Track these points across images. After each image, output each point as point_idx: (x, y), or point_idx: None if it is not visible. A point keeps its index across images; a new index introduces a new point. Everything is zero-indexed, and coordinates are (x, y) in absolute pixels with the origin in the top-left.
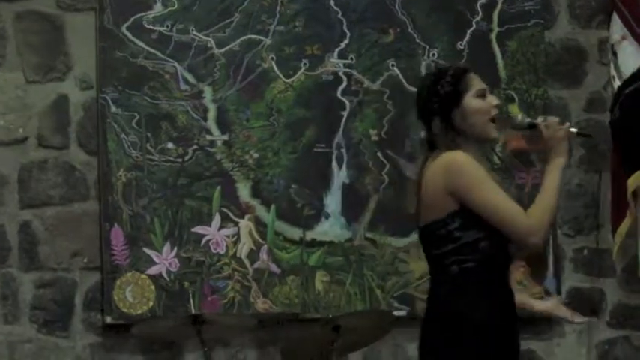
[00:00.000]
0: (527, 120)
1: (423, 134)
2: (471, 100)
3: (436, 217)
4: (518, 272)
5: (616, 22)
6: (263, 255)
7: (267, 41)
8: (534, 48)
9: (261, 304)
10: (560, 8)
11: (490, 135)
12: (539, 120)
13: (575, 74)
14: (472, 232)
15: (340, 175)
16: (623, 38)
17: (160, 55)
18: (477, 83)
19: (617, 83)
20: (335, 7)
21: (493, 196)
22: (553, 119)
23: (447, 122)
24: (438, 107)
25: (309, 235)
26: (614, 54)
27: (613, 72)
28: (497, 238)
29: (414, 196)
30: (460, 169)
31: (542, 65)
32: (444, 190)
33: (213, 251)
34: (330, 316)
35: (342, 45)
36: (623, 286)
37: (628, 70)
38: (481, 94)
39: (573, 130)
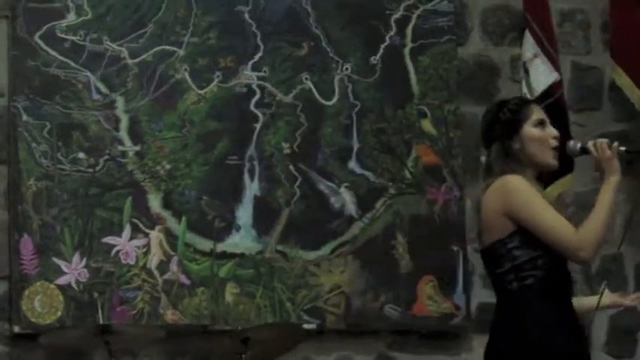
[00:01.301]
0: (579, 145)
1: (483, 159)
2: (530, 129)
3: (496, 238)
4: (427, 287)
5: (528, 40)
6: (173, 266)
7: (181, 52)
8: (447, 64)
9: (170, 316)
10: (473, 25)
11: (549, 162)
12: (590, 143)
13: (488, 91)
14: (530, 251)
15: (252, 188)
16: (535, 56)
17: (72, 64)
18: (536, 114)
19: None
20: (249, 20)
21: (544, 214)
22: (602, 141)
23: (505, 148)
24: (498, 133)
25: (220, 247)
26: (526, 71)
27: (525, 89)
28: (554, 256)
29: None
30: (513, 190)
31: (455, 81)
32: (500, 212)
33: (123, 262)
34: (240, 328)
35: (256, 58)
36: None
37: (539, 87)
38: (540, 124)
39: (622, 148)
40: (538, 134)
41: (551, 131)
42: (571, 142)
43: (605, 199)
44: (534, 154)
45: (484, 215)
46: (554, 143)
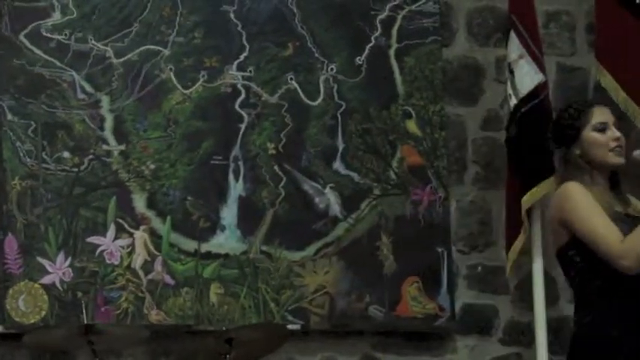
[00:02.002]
0: None
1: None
2: (589, 134)
3: (560, 245)
4: (412, 288)
5: (513, 41)
6: (157, 266)
7: (166, 52)
8: (432, 65)
9: (154, 316)
10: (459, 26)
11: (612, 162)
12: None
13: (472, 92)
14: (592, 256)
15: (237, 188)
16: (521, 57)
17: (57, 63)
18: (597, 117)
19: (513, 101)
20: (235, 20)
21: (591, 220)
22: None
23: (566, 155)
24: (560, 139)
25: (204, 248)
26: (511, 72)
27: (510, 90)
28: None
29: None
30: (567, 198)
31: (440, 82)
32: (558, 220)
33: (108, 262)
34: (224, 328)
35: (241, 57)
36: (516, 304)
37: (525, 88)
38: (601, 128)
39: None
40: (598, 138)
41: (613, 133)
42: (637, 151)
43: None
44: (595, 157)
45: (549, 222)
46: (613, 144)
